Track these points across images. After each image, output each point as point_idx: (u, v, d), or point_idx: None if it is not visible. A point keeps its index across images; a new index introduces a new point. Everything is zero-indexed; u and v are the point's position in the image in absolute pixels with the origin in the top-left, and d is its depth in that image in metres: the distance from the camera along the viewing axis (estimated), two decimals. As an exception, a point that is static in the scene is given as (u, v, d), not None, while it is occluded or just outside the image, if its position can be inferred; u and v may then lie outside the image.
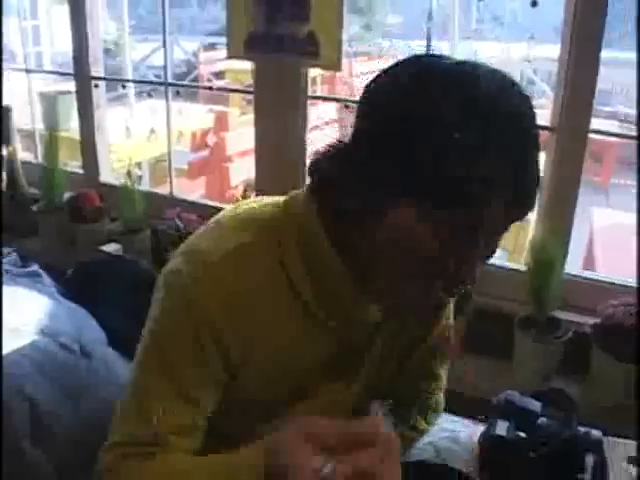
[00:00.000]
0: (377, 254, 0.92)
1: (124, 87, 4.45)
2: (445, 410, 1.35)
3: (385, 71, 0.91)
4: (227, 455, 0.84)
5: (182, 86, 2.92)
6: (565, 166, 1.78)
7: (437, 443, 1.33)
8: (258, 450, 0.77)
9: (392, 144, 0.85)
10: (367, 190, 0.88)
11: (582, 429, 1.31)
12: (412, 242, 0.86)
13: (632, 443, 1.31)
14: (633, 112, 6.81)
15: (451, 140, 0.81)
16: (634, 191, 5.65)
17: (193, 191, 3.83)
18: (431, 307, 1.12)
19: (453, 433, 1.37)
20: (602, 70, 1.69)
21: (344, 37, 1.97)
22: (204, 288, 0.91)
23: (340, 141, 0.95)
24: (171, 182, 2.54)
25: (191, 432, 0.93)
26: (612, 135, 3.65)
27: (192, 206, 2.41)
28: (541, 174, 0.86)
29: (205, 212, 2.15)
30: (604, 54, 1.66)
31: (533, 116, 0.88)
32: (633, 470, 1.24)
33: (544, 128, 1.78)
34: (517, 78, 0.89)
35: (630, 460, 1.26)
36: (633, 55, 1.66)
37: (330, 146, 0.96)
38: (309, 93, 2.15)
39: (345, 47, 2.01)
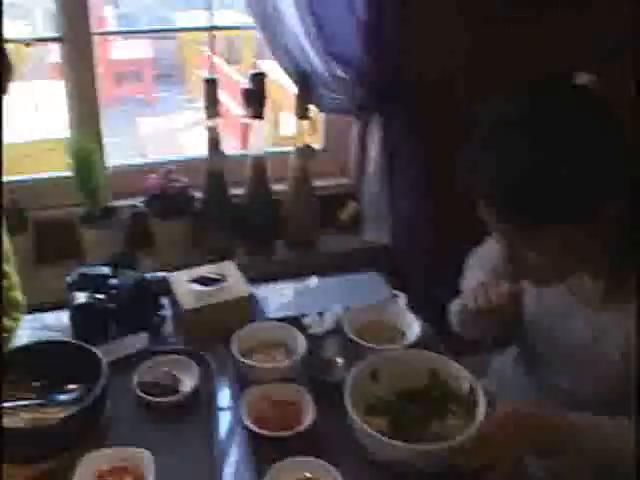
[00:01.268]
0: None
1: None
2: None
3: None
4: None
5: None
6: (79, 72, 1.90)
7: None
8: None
9: None
10: None
11: (149, 275, 1.53)
12: None
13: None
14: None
15: None
16: (172, 100, 6.10)
17: None
18: None
19: (41, 322, 1.49)
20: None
21: None
22: None
23: None
24: None
25: None
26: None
27: None
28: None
29: None
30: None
31: None
32: (195, 287, 1.50)
33: (54, 40, 1.90)
34: None
35: (189, 279, 1.52)
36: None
37: None
38: None
39: None
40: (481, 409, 1.14)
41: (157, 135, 4.24)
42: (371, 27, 1.81)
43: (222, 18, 2.07)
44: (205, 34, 2.15)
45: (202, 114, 1.89)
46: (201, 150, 1.98)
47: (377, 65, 1.86)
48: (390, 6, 1.80)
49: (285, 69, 1.89)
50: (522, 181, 0.98)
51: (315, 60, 1.86)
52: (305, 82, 1.88)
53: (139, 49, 5.94)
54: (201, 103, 1.87)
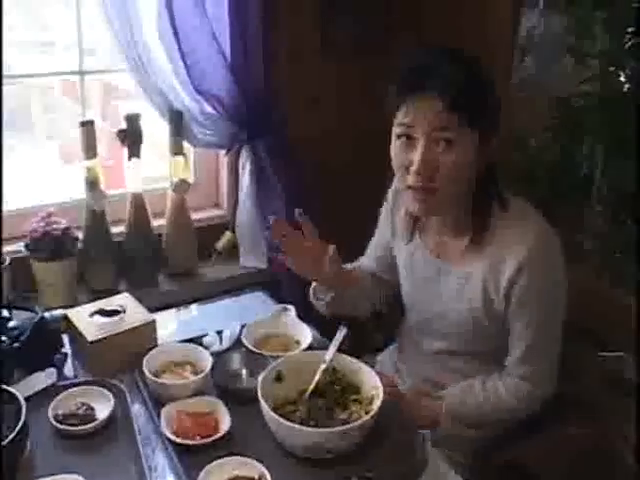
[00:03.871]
0: None
1: None
2: None
3: None
4: None
5: None
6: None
7: None
8: None
9: None
10: None
11: (47, 314, 1.58)
12: None
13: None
14: None
15: None
16: (21, 146, 5.89)
17: None
18: None
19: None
20: None
21: None
22: None
23: None
24: None
25: None
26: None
27: None
28: None
29: None
30: None
31: None
32: (98, 319, 1.56)
33: None
34: None
35: (90, 313, 1.57)
36: None
37: None
38: None
39: None
40: (379, 394, 1.31)
41: (17, 180, 4.09)
42: (237, 66, 1.97)
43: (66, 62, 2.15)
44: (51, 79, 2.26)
45: (58, 157, 1.94)
46: (75, 191, 2.03)
47: (245, 101, 2.02)
48: (254, 44, 1.97)
49: (157, 108, 1.99)
50: (464, 82, 1.32)
51: (186, 98, 1.98)
52: (178, 120, 1.99)
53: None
54: (54, 147, 1.93)
